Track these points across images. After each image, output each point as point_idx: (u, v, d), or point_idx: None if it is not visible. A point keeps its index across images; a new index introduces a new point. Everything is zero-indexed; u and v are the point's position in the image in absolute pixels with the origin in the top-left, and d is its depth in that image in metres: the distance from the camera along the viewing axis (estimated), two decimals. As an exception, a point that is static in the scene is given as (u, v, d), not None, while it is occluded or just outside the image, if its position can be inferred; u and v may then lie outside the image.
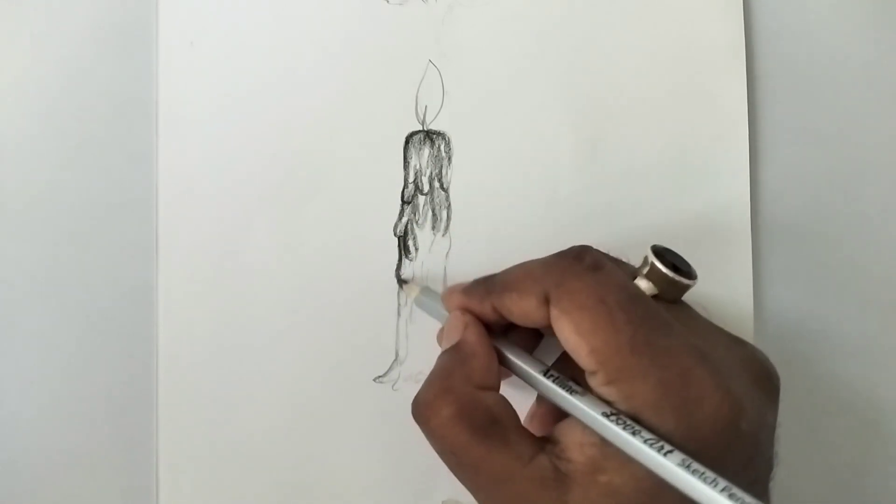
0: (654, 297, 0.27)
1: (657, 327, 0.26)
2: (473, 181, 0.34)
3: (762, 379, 0.28)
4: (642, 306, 0.26)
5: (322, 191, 0.33)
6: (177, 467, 0.32)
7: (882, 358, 0.36)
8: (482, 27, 0.34)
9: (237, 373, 0.33)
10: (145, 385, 0.32)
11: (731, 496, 0.22)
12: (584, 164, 0.35)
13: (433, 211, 0.34)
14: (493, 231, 0.34)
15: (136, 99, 0.33)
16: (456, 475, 0.27)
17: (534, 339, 0.31)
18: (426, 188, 0.34)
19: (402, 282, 0.33)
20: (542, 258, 0.28)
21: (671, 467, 0.23)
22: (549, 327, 0.27)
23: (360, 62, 0.34)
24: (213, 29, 0.33)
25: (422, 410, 0.27)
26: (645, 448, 0.24)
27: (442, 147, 0.34)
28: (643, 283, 0.28)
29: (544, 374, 0.27)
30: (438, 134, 0.34)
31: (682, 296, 0.28)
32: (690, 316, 0.28)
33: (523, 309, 0.27)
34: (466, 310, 0.29)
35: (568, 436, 0.26)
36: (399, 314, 0.34)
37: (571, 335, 0.25)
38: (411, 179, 0.34)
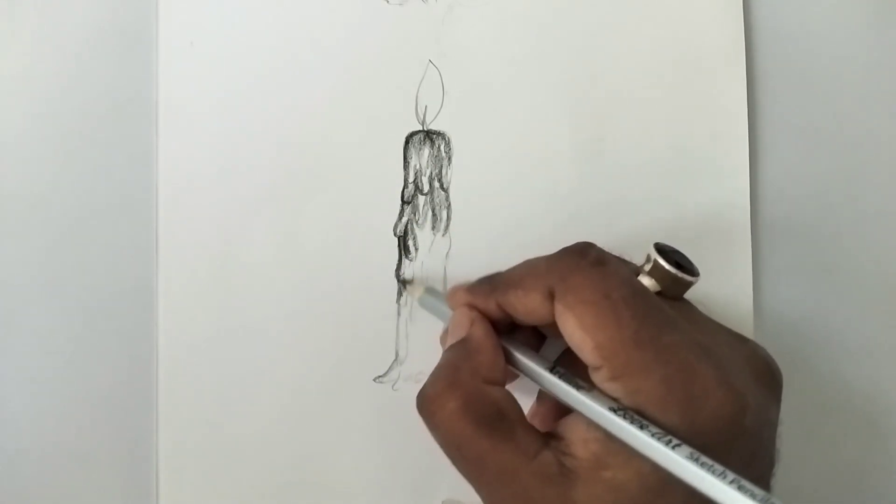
0: (657, 294, 0.28)
1: (662, 323, 0.26)
2: (473, 181, 0.34)
3: (765, 376, 0.28)
4: (647, 302, 0.26)
5: (322, 190, 0.33)
6: (177, 467, 0.32)
7: (882, 356, 0.36)
8: (482, 27, 0.34)
9: (237, 372, 0.33)
10: (145, 385, 0.32)
11: (740, 488, 0.22)
12: (584, 163, 0.35)
13: (433, 211, 0.34)
14: (493, 231, 0.34)
15: (136, 99, 0.33)
16: (459, 469, 0.27)
17: (536, 341, 0.31)
18: (426, 188, 0.34)
19: (404, 282, 0.33)
20: (546, 255, 0.28)
21: (680, 461, 0.23)
22: (554, 324, 0.27)
23: (360, 62, 0.34)
24: (213, 29, 0.33)
25: (427, 404, 0.27)
26: (653, 442, 0.24)
27: (442, 147, 0.34)
28: (646, 280, 0.28)
29: (550, 371, 0.27)
30: (438, 134, 0.34)
31: (684, 293, 0.28)
32: (693, 313, 0.29)
33: (528, 305, 0.27)
34: (472, 307, 0.29)
35: (572, 432, 0.26)
36: (399, 314, 0.34)
37: (576, 330, 0.25)
38: (411, 179, 0.34)
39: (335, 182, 0.33)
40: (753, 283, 0.35)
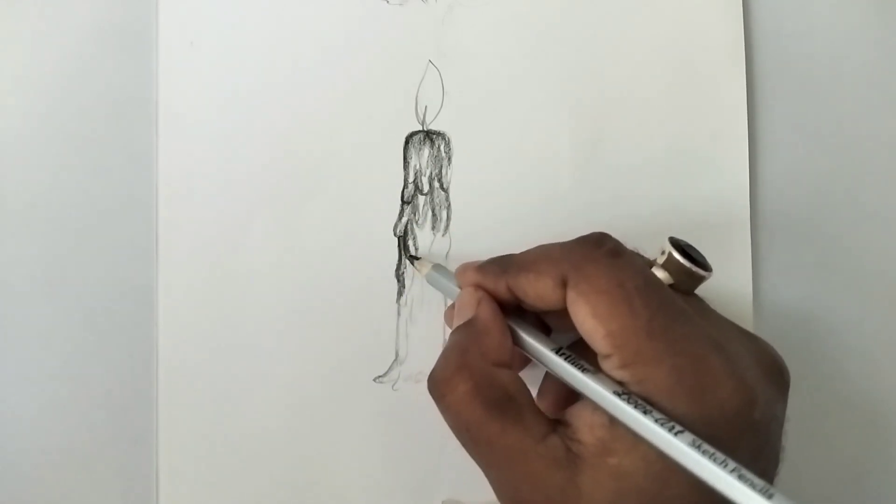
0: (670, 287, 0.28)
1: (674, 314, 0.26)
2: (473, 181, 0.34)
3: (773, 372, 0.28)
4: (660, 293, 0.26)
5: (322, 191, 0.33)
6: (177, 467, 0.32)
7: (882, 352, 0.36)
8: (482, 27, 0.34)
9: (237, 373, 0.33)
10: (145, 385, 0.32)
11: (740, 477, 0.22)
12: (583, 163, 0.35)
13: (433, 211, 0.34)
14: (493, 231, 0.34)
15: (136, 99, 0.33)
16: (469, 451, 0.27)
17: (541, 331, 0.31)
18: (426, 188, 0.34)
19: (412, 258, 0.33)
20: (560, 242, 0.28)
21: (682, 447, 0.23)
22: (561, 312, 0.27)
23: (360, 62, 0.34)
24: (213, 29, 0.33)
25: (438, 386, 0.27)
26: (656, 427, 0.24)
27: (442, 147, 0.34)
28: (659, 273, 0.28)
29: (556, 353, 0.27)
30: (438, 134, 0.34)
31: (696, 287, 0.28)
32: (704, 308, 0.29)
33: (539, 290, 0.27)
34: (480, 287, 0.29)
35: (579, 417, 0.26)
36: (399, 314, 0.33)
37: (588, 318, 0.26)
38: (411, 179, 0.34)
39: (335, 182, 0.33)
40: (753, 279, 0.35)
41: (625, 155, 0.35)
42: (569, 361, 0.27)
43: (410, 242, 0.34)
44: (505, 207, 0.34)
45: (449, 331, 0.30)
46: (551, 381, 0.30)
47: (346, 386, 0.33)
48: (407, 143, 0.34)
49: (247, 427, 0.33)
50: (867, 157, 0.37)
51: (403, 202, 0.34)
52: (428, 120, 0.34)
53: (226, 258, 0.33)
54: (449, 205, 0.34)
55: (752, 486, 0.22)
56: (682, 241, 0.28)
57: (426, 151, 0.34)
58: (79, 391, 0.32)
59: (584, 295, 0.26)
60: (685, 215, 0.35)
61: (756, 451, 0.26)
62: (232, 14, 0.33)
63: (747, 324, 0.34)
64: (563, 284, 0.26)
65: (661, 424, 0.24)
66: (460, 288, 0.30)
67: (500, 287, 0.28)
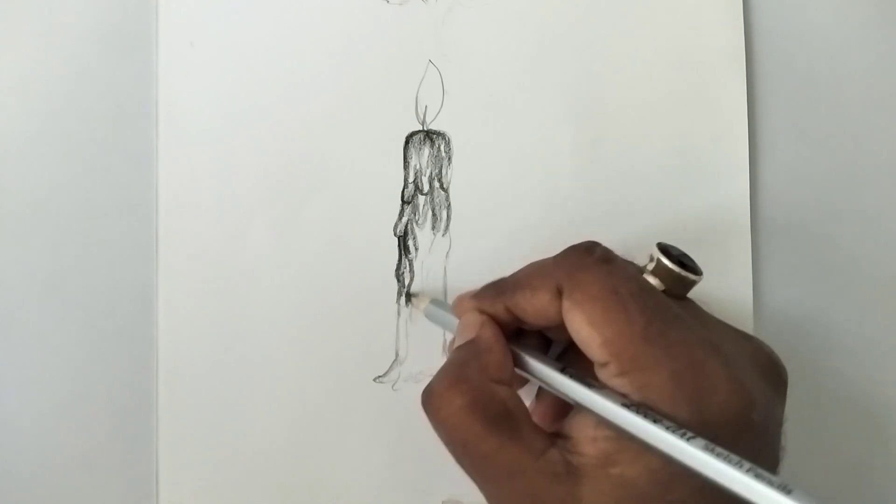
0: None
1: (670, 319, 0.26)
2: (473, 181, 0.34)
3: (770, 373, 0.28)
4: (654, 298, 0.26)
5: (322, 191, 0.33)
6: (177, 468, 0.32)
7: (882, 356, 0.36)
8: (482, 27, 0.34)
9: (237, 373, 0.33)
10: (145, 385, 0.32)
11: (757, 476, 0.22)
12: (584, 163, 0.35)
13: (433, 211, 0.34)
14: (493, 231, 0.34)
15: (136, 99, 0.33)
16: (464, 467, 0.27)
17: (543, 346, 0.31)
18: (426, 188, 0.34)
19: (409, 295, 0.33)
20: (551, 256, 0.28)
21: (696, 453, 0.23)
22: (562, 326, 0.26)
23: (361, 62, 0.34)
24: (213, 29, 0.33)
25: (433, 400, 0.27)
26: (668, 436, 0.24)
27: (442, 147, 0.34)
28: (650, 279, 0.28)
29: (561, 372, 0.27)
30: (438, 134, 0.34)
31: (687, 292, 0.28)
32: (698, 311, 0.29)
33: (536, 305, 0.27)
34: (480, 311, 0.29)
35: (579, 431, 0.26)
36: (399, 314, 0.34)
37: (583, 326, 0.25)
38: (411, 179, 0.34)
39: (335, 182, 0.33)
40: (753, 283, 0.35)
41: (624, 154, 0.35)
42: (574, 379, 0.26)
43: (410, 242, 0.34)
44: (505, 207, 0.34)
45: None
46: (545, 394, 0.30)
47: (346, 386, 0.33)
48: (407, 143, 0.34)
49: (246, 427, 0.33)
50: (867, 160, 0.36)
51: (403, 202, 0.34)
52: (428, 120, 0.34)
53: (226, 258, 0.33)
54: (449, 205, 0.34)
55: (770, 483, 0.22)
56: (670, 246, 0.28)
57: (426, 151, 0.34)
58: (79, 392, 0.32)
59: (578, 304, 0.26)
60: (685, 216, 0.35)
61: (755, 453, 0.25)
62: (232, 14, 0.33)
63: (747, 328, 0.34)
64: (559, 296, 0.26)
65: (673, 432, 0.24)
66: (459, 318, 0.30)
67: (499, 309, 0.28)
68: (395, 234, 0.34)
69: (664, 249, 0.28)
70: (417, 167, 0.34)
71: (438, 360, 0.33)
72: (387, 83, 0.34)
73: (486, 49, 0.34)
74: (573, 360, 0.27)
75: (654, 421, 0.24)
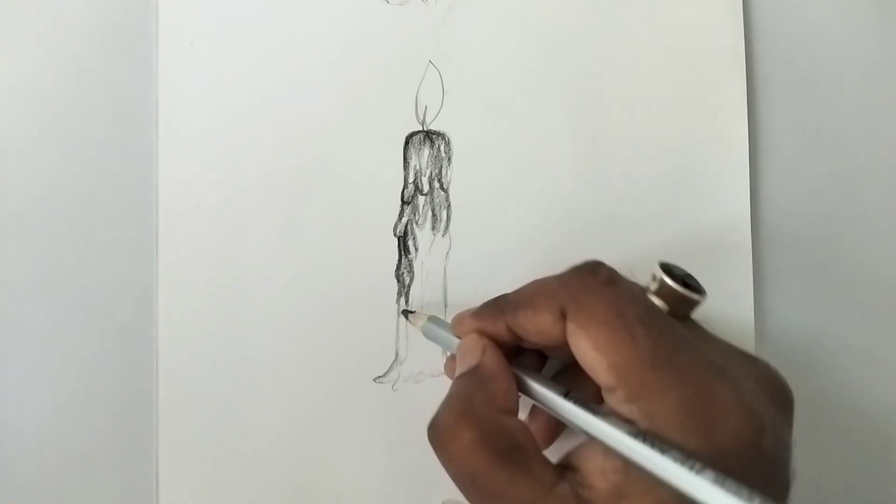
0: None
1: (677, 342, 0.25)
2: (473, 181, 0.34)
3: (778, 395, 0.27)
4: (661, 321, 0.25)
5: (322, 191, 0.33)
6: (177, 467, 0.32)
7: (886, 370, 0.36)
8: (482, 27, 0.34)
9: (237, 373, 0.33)
10: (145, 385, 0.32)
11: None
12: (583, 163, 0.35)
13: (433, 211, 0.34)
14: (493, 231, 0.34)
15: (136, 99, 0.33)
16: (472, 502, 0.26)
17: (538, 361, 0.30)
18: (426, 188, 0.34)
19: (405, 313, 0.33)
20: (554, 275, 0.28)
21: (705, 486, 0.22)
22: (563, 346, 0.26)
23: (361, 63, 0.33)
24: (213, 29, 0.33)
25: (440, 435, 0.26)
26: (676, 467, 0.23)
27: (442, 147, 0.34)
28: (654, 300, 0.27)
29: (565, 397, 0.26)
30: (438, 134, 0.34)
31: (691, 312, 0.28)
32: (703, 333, 0.28)
33: (539, 325, 0.26)
34: (480, 333, 0.29)
35: (588, 462, 0.25)
36: (399, 314, 0.33)
37: (589, 350, 0.25)
38: (411, 179, 0.34)
39: (335, 182, 0.33)
40: (754, 296, 0.35)
41: (624, 154, 0.35)
42: (578, 405, 0.26)
43: (410, 243, 0.34)
44: (505, 207, 0.34)
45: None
46: (539, 412, 0.30)
47: (346, 386, 0.33)
48: (407, 143, 0.34)
49: (246, 427, 0.33)
50: (870, 168, 0.36)
51: (403, 202, 0.34)
52: (428, 120, 0.34)
53: (226, 258, 0.33)
54: (449, 205, 0.34)
55: None
56: (673, 265, 0.27)
57: (426, 151, 0.34)
58: (79, 392, 0.32)
59: (583, 327, 0.25)
60: (685, 218, 0.35)
61: (767, 479, 0.25)
62: (232, 14, 0.33)
63: (749, 342, 0.34)
64: (563, 317, 0.26)
65: (682, 463, 0.23)
66: (458, 338, 0.30)
67: (500, 328, 0.28)
68: (394, 235, 0.34)
69: (666, 268, 0.27)
70: (417, 167, 0.34)
71: (438, 361, 0.33)
72: (387, 83, 0.34)
73: (486, 49, 0.34)
74: (572, 378, 0.27)
75: (663, 452, 0.23)
